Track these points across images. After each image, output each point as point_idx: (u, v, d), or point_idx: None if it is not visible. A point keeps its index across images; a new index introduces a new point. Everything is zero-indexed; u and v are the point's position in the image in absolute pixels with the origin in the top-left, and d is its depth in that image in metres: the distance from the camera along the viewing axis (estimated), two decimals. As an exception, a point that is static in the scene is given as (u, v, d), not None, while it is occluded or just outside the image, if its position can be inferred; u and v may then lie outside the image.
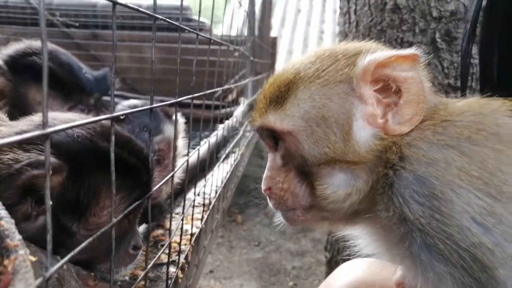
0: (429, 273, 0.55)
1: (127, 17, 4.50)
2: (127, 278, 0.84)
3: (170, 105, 0.69)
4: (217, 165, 1.48)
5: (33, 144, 0.57)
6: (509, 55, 1.04)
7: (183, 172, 1.04)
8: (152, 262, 0.68)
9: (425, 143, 0.59)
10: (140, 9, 0.55)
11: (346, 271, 1.04)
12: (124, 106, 1.05)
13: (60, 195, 0.58)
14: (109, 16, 4.55)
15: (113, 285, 0.56)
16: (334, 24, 6.25)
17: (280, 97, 0.70)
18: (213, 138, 1.61)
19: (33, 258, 0.37)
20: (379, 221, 0.61)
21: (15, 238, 0.37)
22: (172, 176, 0.74)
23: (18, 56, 1.20)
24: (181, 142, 1.13)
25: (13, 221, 0.39)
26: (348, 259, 1.72)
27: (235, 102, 3.00)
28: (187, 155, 0.87)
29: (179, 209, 1.39)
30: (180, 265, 0.97)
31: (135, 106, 0.99)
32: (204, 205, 1.27)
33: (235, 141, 2.06)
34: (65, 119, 0.63)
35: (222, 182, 1.56)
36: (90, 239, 0.46)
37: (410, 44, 1.81)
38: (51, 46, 1.30)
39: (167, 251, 0.82)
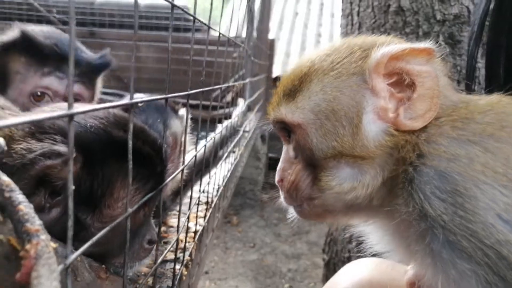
0: (450, 271, 0.53)
1: (125, 16, 4.48)
2: (130, 273, 0.82)
3: (182, 97, 0.67)
4: (220, 163, 1.46)
5: (46, 133, 0.55)
6: None
7: (188, 169, 1.03)
8: (161, 257, 0.66)
9: (445, 139, 0.59)
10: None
11: (352, 271, 1.03)
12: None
13: (75, 186, 0.56)
14: (107, 14, 4.53)
15: (126, 279, 0.54)
16: (331, 27, 6.27)
17: (293, 90, 0.71)
18: (215, 137, 1.60)
19: (53, 245, 0.35)
20: (397, 216, 0.60)
21: (36, 223, 0.35)
22: (182, 170, 0.73)
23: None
24: (187, 138, 1.11)
25: (31, 206, 0.37)
26: (349, 260, 1.71)
27: (233, 103, 2.99)
28: (195, 150, 0.85)
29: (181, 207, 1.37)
30: (184, 262, 0.95)
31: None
32: (207, 203, 1.25)
33: (235, 140, 2.04)
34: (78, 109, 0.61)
35: (223, 181, 1.54)
36: (107, 228, 0.44)
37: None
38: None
39: (173, 247, 0.80)
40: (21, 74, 1.13)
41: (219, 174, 1.47)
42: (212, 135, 1.13)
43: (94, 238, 0.40)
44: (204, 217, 1.20)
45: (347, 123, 0.64)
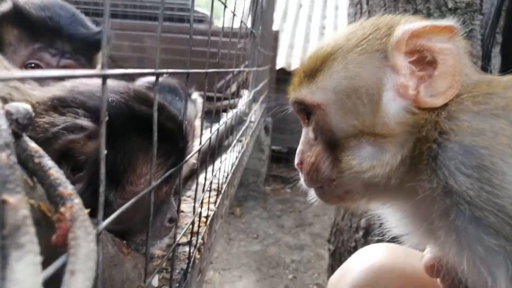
0: (477, 247, 0.53)
1: (128, 6, 4.44)
2: (150, 251, 0.81)
3: (201, 74, 0.66)
4: (229, 150, 1.45)
5: (68, 107, 0.54)
6: None
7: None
8: (179, 237, 0.66)
9: (467, 114, 0.58)
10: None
11: (365, 256, 1.02)
12: (144, 82, 1.02)
13: (96, 161, 0.55)
14: (101, 3, 4.49)
15: (149, 254, 0.54)
16: (335, 19, 6.23)
17: (314, 70, 0.70)
18: (222, 125, 1.59)
19: (86, 210, 0.34)
20: (421, 192, 0.59)
21: (68, 187, 0.34)
22: (199, 150, 0.72)
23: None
24: (198, 122, 1.10)
25: (62, 171, 0.36)
26: (355, 250, 1.71)
27: (236, 95, 2.98)
28: (210, 132, 0.84)
29: (189, 193, 1.37)
30: (197, 246, 0.95)
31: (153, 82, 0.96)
32: (218, 189, 1.25)
33: (242, 129, 2.03)
34: (99, 84, 0.60)
35: (232, 167, 1.54)
36: (133, 199, 0.43)
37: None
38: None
39: (188, 230, 0.80)
40: (13, 46, 1.08)
41: (228, 161, 1.46)
42: (224, 119, 1.12)
43: (124, 207, 0.40)
44: (215, 202, 1.20)
45: (367, 100, 0.64)
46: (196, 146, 0.76)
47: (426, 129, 0.60)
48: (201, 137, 0.71)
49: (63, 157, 0.53)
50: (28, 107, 0.40)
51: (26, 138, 0.38)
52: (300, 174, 0.75)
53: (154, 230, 0.67)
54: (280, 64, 5.36)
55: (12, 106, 0.37)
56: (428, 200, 0.59)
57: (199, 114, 1.12)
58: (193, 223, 0.80)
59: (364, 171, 0.64)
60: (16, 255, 0.24)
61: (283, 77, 5.42)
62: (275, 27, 5.31)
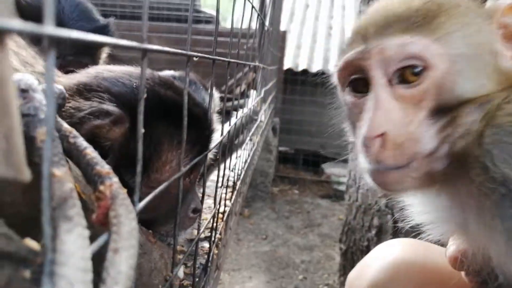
0: None
1: (136, 7, 4.46)
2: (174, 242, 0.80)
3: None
4: (243, 146, 1.45)
5: (93, 91, 0.54)
6: None
7: (216, 149, 1.01)
8: (202, 230, 0.65)
9: None
10: None
11: (384, 251, 1.00)
12: (167, 74, 1.01)
13: (122, 148, 0.54)
14: (118, 5, 4.52)
15: (169, 247, 0.53)
16: (342, 19, 6.21)
17: (430, 16, 0.57)
18: (237, 121, 1.58)
19: (124, 190, 0.33)
20: (475, 176, 0.55)
21: (105, 166, 0.33)
22: (221, 142, 0.71)
23: None
24: (215, 117, 1.10)
25: (96, 151, 0.36)
26: (368, 249, 1.68)
27: (244, 95, 2.97)
28: (229, 124, 0.83)
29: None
30: (215, 241, 0.94)
31: (173, 76, 0.96)
32: (234, 185, 1.24)
33: (254, 127, 2.03)
34: (124, 71, 0.59)
35: (245, 164, 1.53)
36: (165, 184, 0.42)
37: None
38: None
39: (202, 227, 0.79)
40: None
41: (242, 157, 1.46)
42: (239, 114, 1.11)
43: (157, 190, 0.39)
44: (230, 199, 1.19)
45: (490, 60, 0.57)
46: (215, 139, 0.75)
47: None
48: (222, 129, 0.70)
49: (88, 143, 0.53)
50: (61, 87, 0.40)
51: (60, 119, 0.38)
52: (373, 149, 0.58)
53: (178, 220, 0.66)
54: (287, 64, 5.34)
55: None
56: (477, 185, 0.55)
57: (217, 108, 1.12)
58: (213, 217, 0.79)
59: None
60: (66, 227, 0.23)
61: (290, 78, 5.42)
62: (282, 28, 5.31)
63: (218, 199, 0.84)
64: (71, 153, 0.35)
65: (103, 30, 1.11)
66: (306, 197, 4.92)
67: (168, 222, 0.62)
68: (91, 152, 0.35)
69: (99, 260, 0.28)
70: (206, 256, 0.87)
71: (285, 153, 5.75)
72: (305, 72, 5.35)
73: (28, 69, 0.46)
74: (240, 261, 3.36)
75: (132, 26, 4.47)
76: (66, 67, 1.06)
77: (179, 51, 0.41)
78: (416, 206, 0.73)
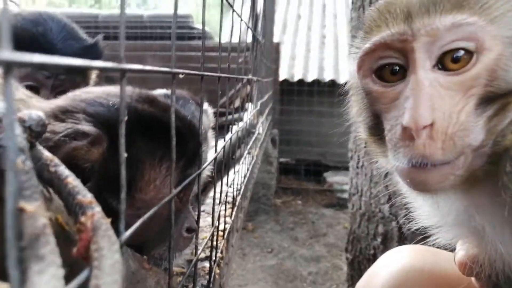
0: None
1: (132, 27, 4.49)
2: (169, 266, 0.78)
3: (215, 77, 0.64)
4: (241, 161, 1.43)
5: (68, 112, 0.52)
6: None
7: (211, 165, 0.99)
8: (200, 251, 0.62)
9: None
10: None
11: (392, 259, 0.98)
12: (159, 92, 1.00)
13: (102, 169, 0.52)
14: (111, 26, 4.55)
15: (166, 272, 0.50)
16: (335, 28, 6.25)
17: None
18: (232, 136, 1.57)
19: (107, 219, 0.31)
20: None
21: (87, 195, 0.32)
22: (215, 158, 0.69)
23: None
24: (210, 133, 1.08)
25: (79, 180, 0.34)
26: (374, 258, 1.65)
27: (241, 109, 2.97)
28: (224, 140, 0.82)
29: (203, 207, 1.33)
30: (217, 260, 0.91)
31: (166, 94, 0.95)
32: (233, 201, 1.22)
33: (252, 141, 2.01)
34: (102, 91, 0.58)
35: (245, 179, 1.51)
36: (155, 207, 0.40)
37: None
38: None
39: (201, 246, 0.77)
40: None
41: (240, 172, 1.44)
42: (235, 128, 1.09)
43: (147, 215, 0.37)
44: (230, 215, 1.17)
45: None
46: (210, 156, 0.73)
47: None
48: (216, 145, 0.69)
49: (67, 167, 0.51)
50: (40, 114, 0.38)
51: (40, 147, 0.36)
52: (418, 140, 0.51)
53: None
54: (283, 75, 5.36)
55: (25, 113, 0.34)
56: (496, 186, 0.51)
57: (212, 124, 1.10)
58: (212, 235, 0.77)
59: None
60: (36, 268, 0.21)
61: (287, 88, 5.42)
62: (275, 40, 5.34)
63: (216, 217, 0.81)
64: (53, 183, 0.33)
65: (91, 48, 1.11)
66: (309, 207, 4.88)
67: (161, 244, 0.59)
68: (72, 180, 0.33)
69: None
70: (207, 277, 0.84)
71: (286, 164, 5.72)
72: (300, 82, 5.36)
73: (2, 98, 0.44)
74: (246, 276, 3.30)
75: (126, 46, 4.50)
76: (59, 87, 1.07)
77: (162, 69, 0.40)
78: (425, 208, 0.70)
